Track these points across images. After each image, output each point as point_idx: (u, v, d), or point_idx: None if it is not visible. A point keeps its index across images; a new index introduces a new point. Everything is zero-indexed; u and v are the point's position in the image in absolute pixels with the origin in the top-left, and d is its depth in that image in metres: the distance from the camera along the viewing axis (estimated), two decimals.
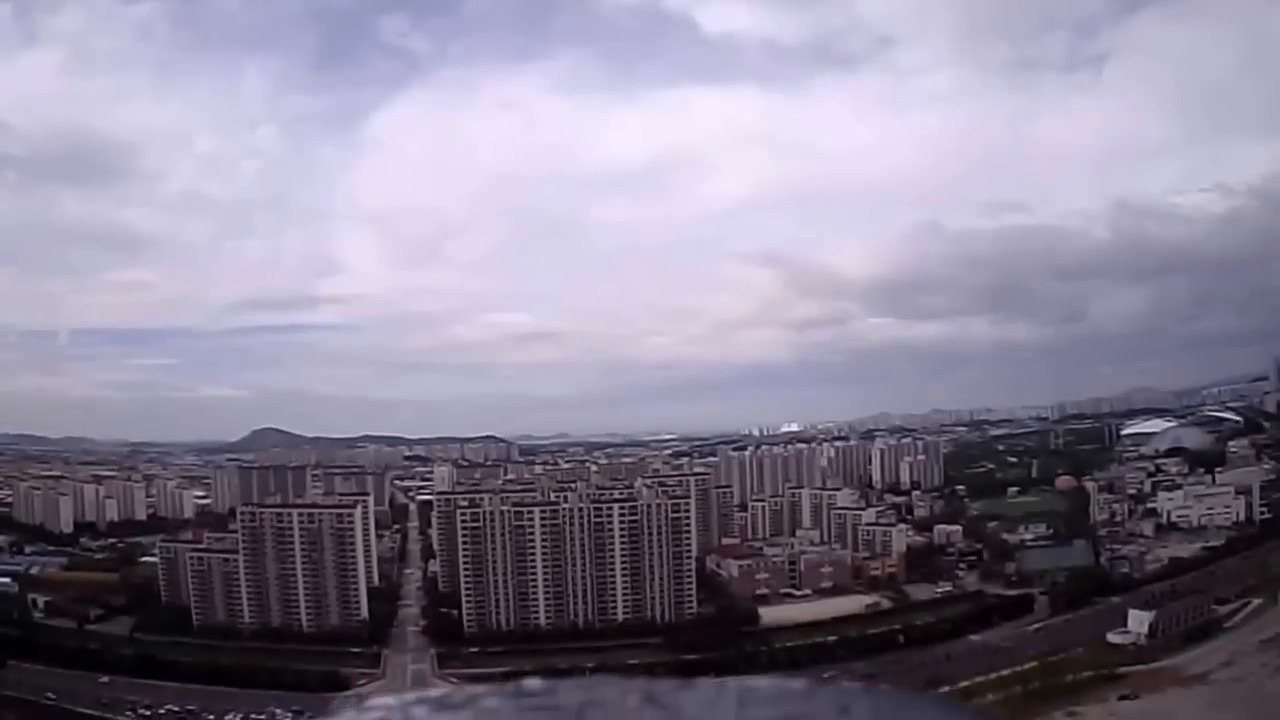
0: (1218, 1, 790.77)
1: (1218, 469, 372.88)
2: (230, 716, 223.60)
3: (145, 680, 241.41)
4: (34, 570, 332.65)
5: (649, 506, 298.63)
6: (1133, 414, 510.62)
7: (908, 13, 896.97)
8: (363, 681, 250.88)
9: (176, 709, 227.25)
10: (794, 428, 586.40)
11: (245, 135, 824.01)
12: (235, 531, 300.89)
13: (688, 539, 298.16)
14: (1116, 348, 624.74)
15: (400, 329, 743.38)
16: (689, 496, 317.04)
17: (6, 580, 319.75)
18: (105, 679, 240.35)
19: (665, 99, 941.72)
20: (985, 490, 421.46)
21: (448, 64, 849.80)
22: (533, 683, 3.56)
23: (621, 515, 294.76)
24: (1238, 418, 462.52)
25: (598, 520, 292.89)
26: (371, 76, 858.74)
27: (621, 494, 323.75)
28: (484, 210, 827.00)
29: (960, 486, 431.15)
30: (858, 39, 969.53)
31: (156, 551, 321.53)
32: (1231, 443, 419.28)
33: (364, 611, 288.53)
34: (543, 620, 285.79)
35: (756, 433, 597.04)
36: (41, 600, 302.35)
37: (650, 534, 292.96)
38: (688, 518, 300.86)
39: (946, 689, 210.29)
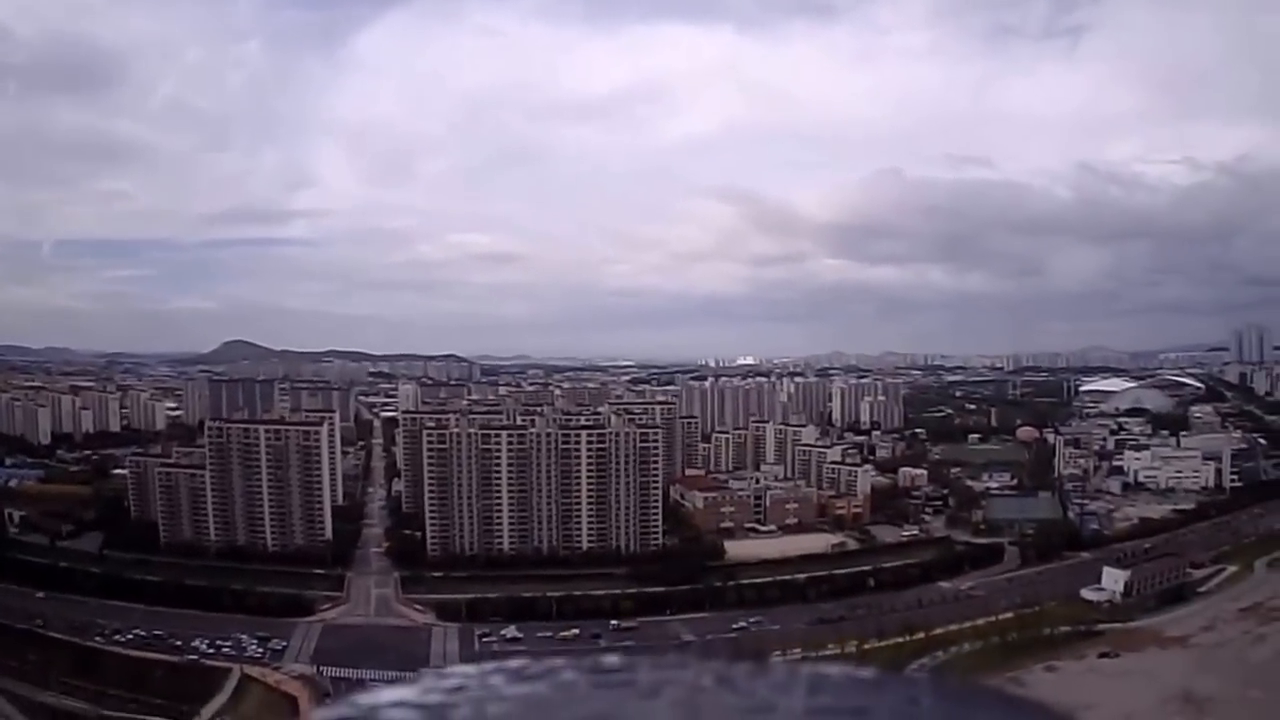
0: None
1: (1182, 433, 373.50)
2: (197, 643, 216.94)
3: (114, 601, 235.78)
4: (12, 483, 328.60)
5: (617, 435, 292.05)
6: (1089, 371, 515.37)
7: None
8: (326, 606, 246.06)
9: (144, 633, 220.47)
10: (749, 361, 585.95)
11: (232, 48, 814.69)
12: (203, 447, 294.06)
13: (655, 469, 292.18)
14: (1073, 306, 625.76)
15: (368, 246, 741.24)
16: (658, 426, 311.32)
17: None
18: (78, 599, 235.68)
19: (642, 33, 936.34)
20: (945, 435, 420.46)
21: None
22: (610, 658, 3.48)
23: (590, 442, 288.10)
24: (1198, 384, 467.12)
25: (565, 447, 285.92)
26: None
27: (589, 420, 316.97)
28: (456, 132, 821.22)
29: (920, 430, 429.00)
30: None
31: (126, 466, 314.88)
32: (1195, 408, 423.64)
33: (328, 531, 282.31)
34: (507, 546, 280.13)
35: (713, 364, 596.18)
36: (16, 515, 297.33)
37: (618, 462, 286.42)
38: (656, 447, 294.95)
39: (921, 635, 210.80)
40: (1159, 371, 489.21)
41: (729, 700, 3.12)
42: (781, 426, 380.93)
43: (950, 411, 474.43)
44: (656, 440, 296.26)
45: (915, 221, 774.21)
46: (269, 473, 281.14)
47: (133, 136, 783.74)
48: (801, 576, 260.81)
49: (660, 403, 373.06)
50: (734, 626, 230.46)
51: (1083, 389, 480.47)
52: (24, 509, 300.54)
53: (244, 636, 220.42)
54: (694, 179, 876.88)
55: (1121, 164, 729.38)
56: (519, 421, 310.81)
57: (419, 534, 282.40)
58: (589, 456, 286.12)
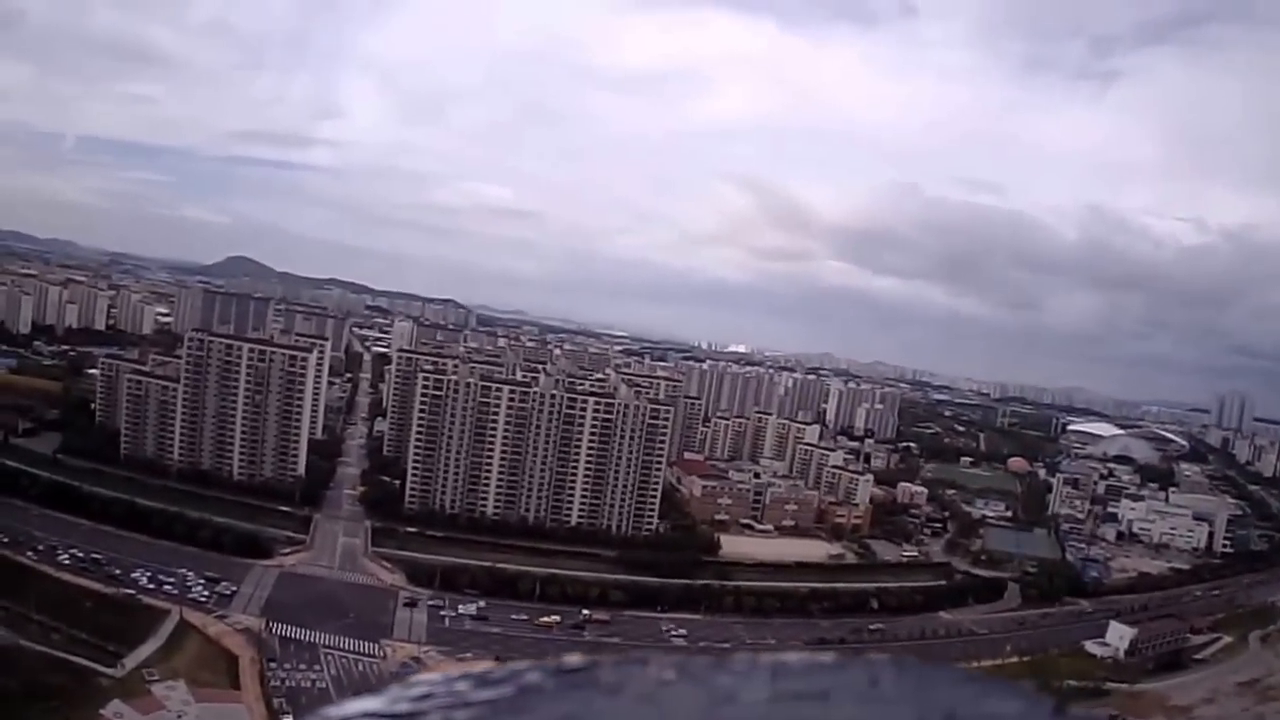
0: (1232, 54, 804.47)
1: (1171, 489, 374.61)
2: (138, 574, 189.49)
3: (57, 513, 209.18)
4: None
5: (626, 406, 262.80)
6: (1073, 411, 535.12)
7: None
8: (286, 551, 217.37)
9: (82, 554, 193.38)
10: (741, 349, 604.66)
11: None
12: (181, 358, 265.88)
13: (661, 449, 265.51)
14: (1063, 344, 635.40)
15: (384, 181, 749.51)
16: (668, 403, 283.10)
17: None
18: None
19: (686, 13, 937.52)
20: (936, 453, 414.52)
21: None
22: (574, 659, 3.49)
23: (596, 410, 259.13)
24: (1183, 442, 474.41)
25: (569, 411, 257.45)
26: None
27: (595, 387, 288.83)
28: (487, 83, 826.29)
29: (912, 444, 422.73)
30: (885, 1, 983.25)
31: (99, 367, 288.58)
32: (1183, 465, 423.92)
33: (301, 467, 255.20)
34: (491, 510, 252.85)
35: (705, 346, 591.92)
36: None
37: (622, 435, 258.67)
38: (665, 425, 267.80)
39: None
40: (1141, 423, 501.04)
41: (693, 692, 3.15)
42: (785, 421, 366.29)
43: (939, 430, 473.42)
44: (667, 419, 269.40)
45: (922, 237, 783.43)
46: (246, 395, 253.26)
47: (169, 45, 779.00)
48: (803, 587, 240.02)
49: (665, 379, 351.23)
50: (728, 639, 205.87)
51: (1070, 428, 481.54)
52: None
53: (190, 574, 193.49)
54: (714, 163, 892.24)
55: (1131, 213, 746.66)
56: (520, 377, 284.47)
57: (398, 482, 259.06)
58: (593, 425, 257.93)
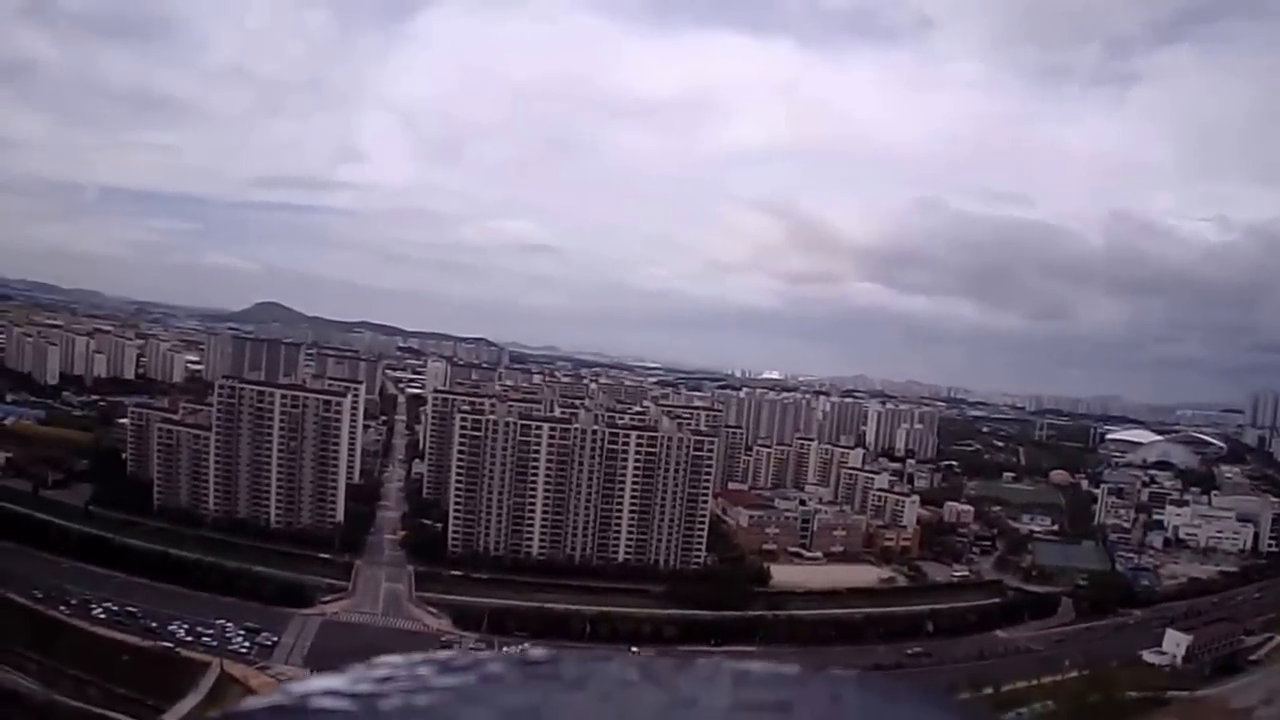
0: (1246, 47, 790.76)
1: (1213, 492, 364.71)
2: (175, 626, 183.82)
3: (91, 566, 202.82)
4: (7, 421, 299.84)
5: (669, 439, 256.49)
6: (1108, 420, 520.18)
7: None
8: (328, 599, 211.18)
9: (116, 607, 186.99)
10: (775, 375, 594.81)
11: (293, 15, 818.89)
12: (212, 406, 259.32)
13: (707, 481, 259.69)
14: (1094, 353, 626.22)
15: (409, 223, 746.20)
16: (712, 434, 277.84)
17: None
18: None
19: (700, 39, 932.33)
20: (977, 470, 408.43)
21: None
22: (537, 651, 3.48)
23: (639, 444, 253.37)
24: (1220, 444, 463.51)
25: (611, 446, 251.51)
26: None
27: (636, 419, 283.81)
28: (507, 119, 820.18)
29: (953, 462, 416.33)
30: (900, 15, 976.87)
31: (129, 416, 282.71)
32: (1224, 467, 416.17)
33: (340, 513, 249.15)
34: (536, 549, 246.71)
35: (739, 374, 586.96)
36: (2, 456, 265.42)
37: (667, 469, 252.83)
38: (710, 456, 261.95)
39: (989, 691, 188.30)
40: (1176, 426, 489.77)
41: (655, 694, 3.12)
42: (828, 447, 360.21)
43: (978, 446, 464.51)
44: (711, 449, 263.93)
45: (949, 252, 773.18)
46: (281, 441, 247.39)
47: (186, 92, 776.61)
48: (857, 614, 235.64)
49: (705, 409, 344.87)
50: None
51: (1108, 436, 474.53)
52: (14, 451, 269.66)
53: (230, 625, 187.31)
54: (737, 189, 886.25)
55: (1155, 215, 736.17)
56: (559, 413, 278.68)
57: (440, 525, 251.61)
58: (636, 459, 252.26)
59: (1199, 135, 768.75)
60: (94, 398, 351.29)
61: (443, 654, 3.51)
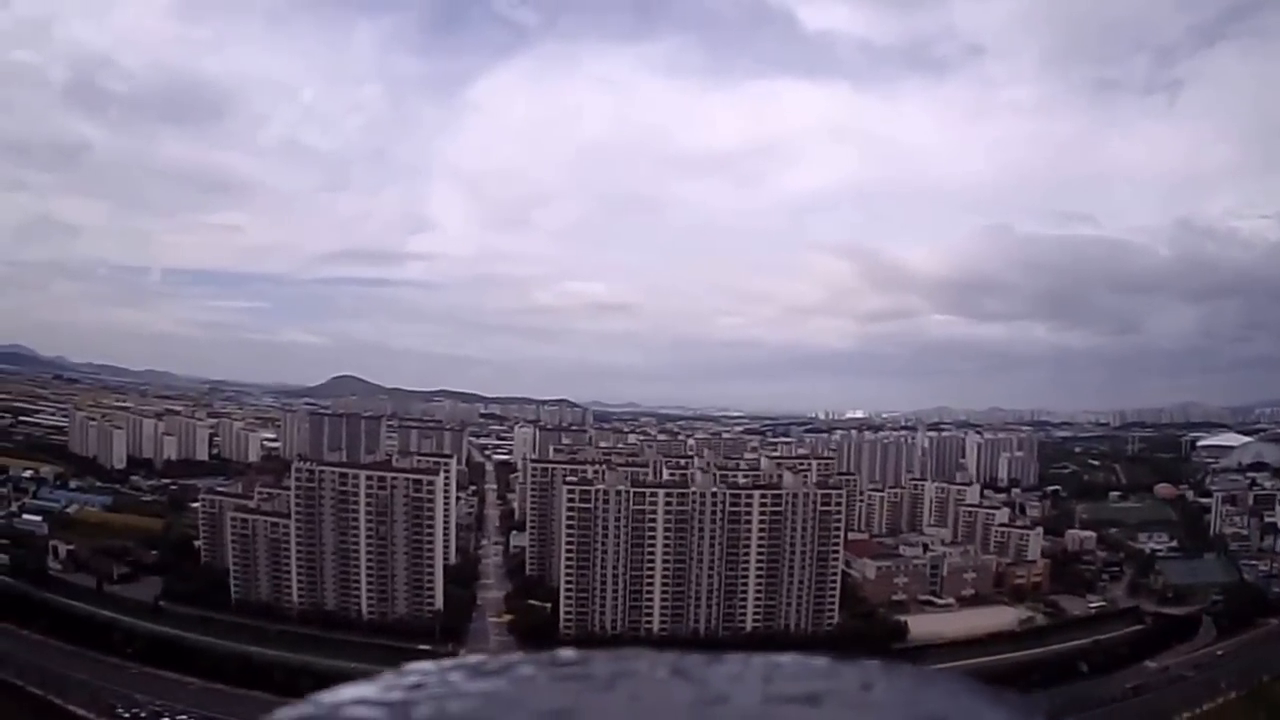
0: None
1: None
2: None
3: (163, 671, 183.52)
4: (71, 509, 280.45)
5: (794, 495, 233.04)
6: (1192, 426, 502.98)
7: (999, 25, 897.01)
8: None
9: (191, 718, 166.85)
10: (858, 414, 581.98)
11: (350, 90, 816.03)
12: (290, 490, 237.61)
13: (837, 536, 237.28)
14: (1170, 362, 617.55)
15: (482, 289, 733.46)
16: (839, 487, 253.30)
17: (37, 519, 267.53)
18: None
19: (759, 89, 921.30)
20: (1081, 492, 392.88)
21: (554, 37, 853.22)
22: (567, 652, 3.47)
23: (763, 503, 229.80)
24: None
25: (734, 509, 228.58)
26: (479, 43, 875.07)
27: (749, 474, 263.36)
28: (573, 181, 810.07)
29: (1057, 487, 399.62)
30: (950, 45, 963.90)
31: (200, 501, 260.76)
32: None
33: (439, 600, 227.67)
34: (657, 625, 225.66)
35: (822, 416, 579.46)
36: (64, 549, 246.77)
37: (794, 528, 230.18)
38: (838, 511, 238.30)
39: None
40: (1260, 426, 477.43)
41: (686, 691, 3.14)
42: (944, 485, 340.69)
43: (1075, 468, 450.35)
44: (839, 504, 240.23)
45: (1020, 277, 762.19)
46: (369, 526, 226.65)
47: (249, 172, 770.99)
48: (1004, 660, 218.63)
49: (821, 457, 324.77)
50: None
51: (1200, 443, 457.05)
52: (77, 541, 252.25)
53: None
54: (806, 233, 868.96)
55: (1217, 219, 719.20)
56: (667, 475, 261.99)
57: (549, 604, 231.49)
58: (761, 520, 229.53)
59: (1251, 133, 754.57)
60: (164, 481, 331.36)
61: (473, 658, 3.54)
